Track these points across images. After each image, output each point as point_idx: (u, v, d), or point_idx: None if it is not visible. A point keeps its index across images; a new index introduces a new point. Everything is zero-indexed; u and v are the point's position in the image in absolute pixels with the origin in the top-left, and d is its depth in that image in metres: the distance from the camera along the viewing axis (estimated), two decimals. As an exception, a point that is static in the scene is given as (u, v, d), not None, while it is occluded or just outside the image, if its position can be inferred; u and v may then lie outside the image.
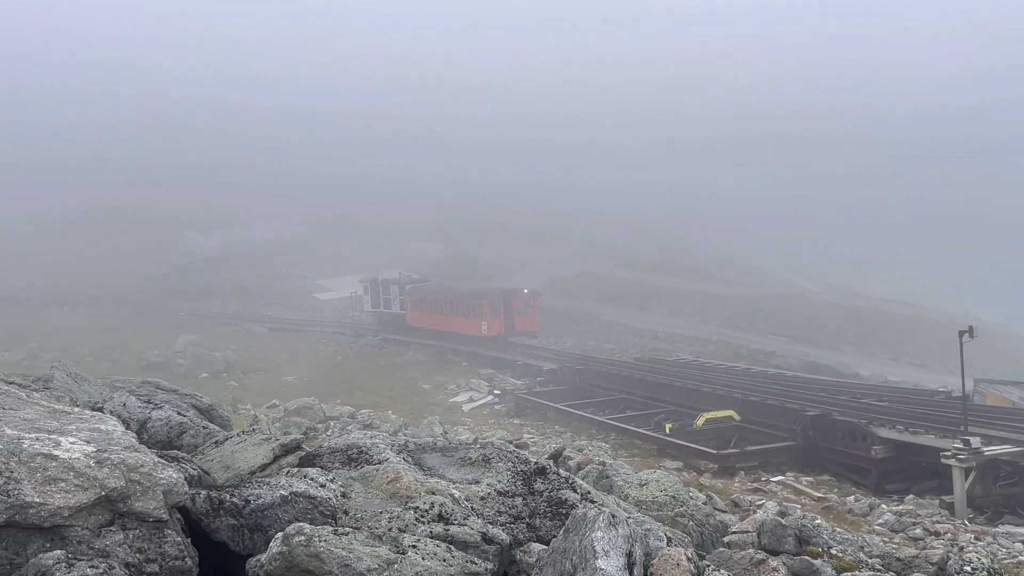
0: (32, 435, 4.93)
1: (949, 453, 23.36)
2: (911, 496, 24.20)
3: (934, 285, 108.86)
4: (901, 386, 39.21)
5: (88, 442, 5.03)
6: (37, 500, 4.34)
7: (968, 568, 10.99)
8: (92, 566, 4.13)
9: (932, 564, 12.21)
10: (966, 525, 20.96)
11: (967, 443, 23.14)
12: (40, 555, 4.20)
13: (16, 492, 4.31)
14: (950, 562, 11.33)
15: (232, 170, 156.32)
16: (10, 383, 6.77)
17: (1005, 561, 15.87)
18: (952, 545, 17.68)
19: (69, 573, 4.05)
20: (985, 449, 23.16)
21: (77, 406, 6.62)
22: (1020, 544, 19.26)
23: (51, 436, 5.01)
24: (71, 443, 4.93)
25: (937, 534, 19.53)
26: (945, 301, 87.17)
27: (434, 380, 44.99)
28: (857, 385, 38.93)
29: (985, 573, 10.90)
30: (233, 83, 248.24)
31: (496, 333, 53.01)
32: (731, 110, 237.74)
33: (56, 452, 4.73)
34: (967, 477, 22.83)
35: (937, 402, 31.13)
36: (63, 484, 4.51)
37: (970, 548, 16.65)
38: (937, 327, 61.07)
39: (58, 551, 4.23)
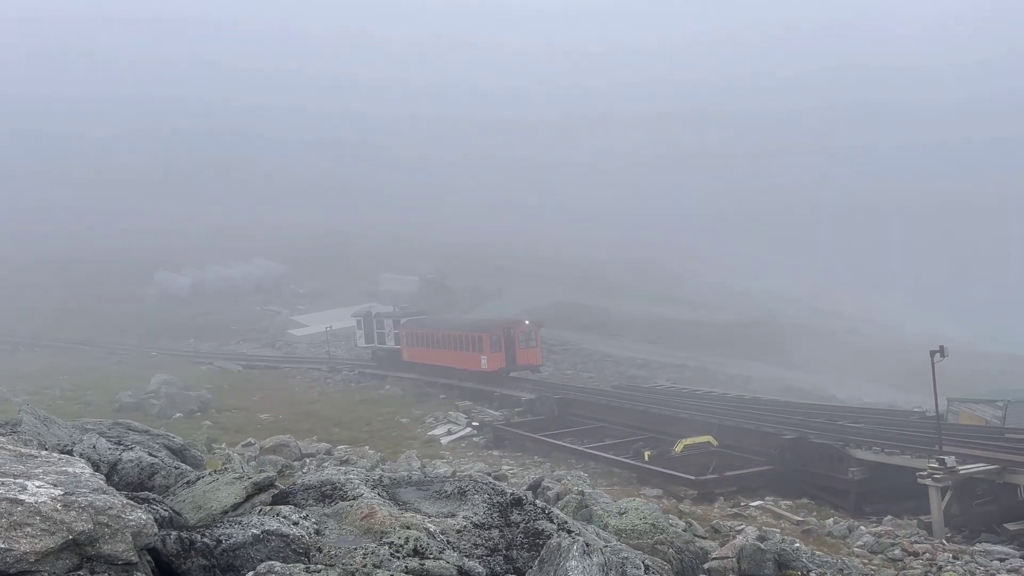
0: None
1: (925, 473, 23.57)
2: (889, 517, 24.28)
3: (905, 304, 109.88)
4: (876, 407, 39.47)
5: (55, 485, 4.98)
6: (2, 546, 4.26)
7: None
8: None
9: None
10: (944, 544, 21.14)
11: (942, 462, 23.34)
12: None
13: None
14: None
15: (204, 207, 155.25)
16: None
17: None
18: (931, 565, 17.74)
19: None
20: (960, 468, 23.30)
21: (45, 449, 6.60)
22: (997, 562, 19.40)
23: (17, 480, 4.95)
24: (37, 487, 4.87)
25: (916, 554, 19.67)
26: (915, 320, 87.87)
27: (411, 414, 44.60)
28: (833, 407, 39.29)
29: None
30: (205, 112, 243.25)
31: (496, 368, 50.44)
32: (704, 135, 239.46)
33: (22, 496, 4.66)
34: (944, 496, 23.00)
35: (912, 422, 31.49)
36: (29, 529, 4.43)
37: (948, 568, 16.70)
38: (912, 348, 61.66)
39: None
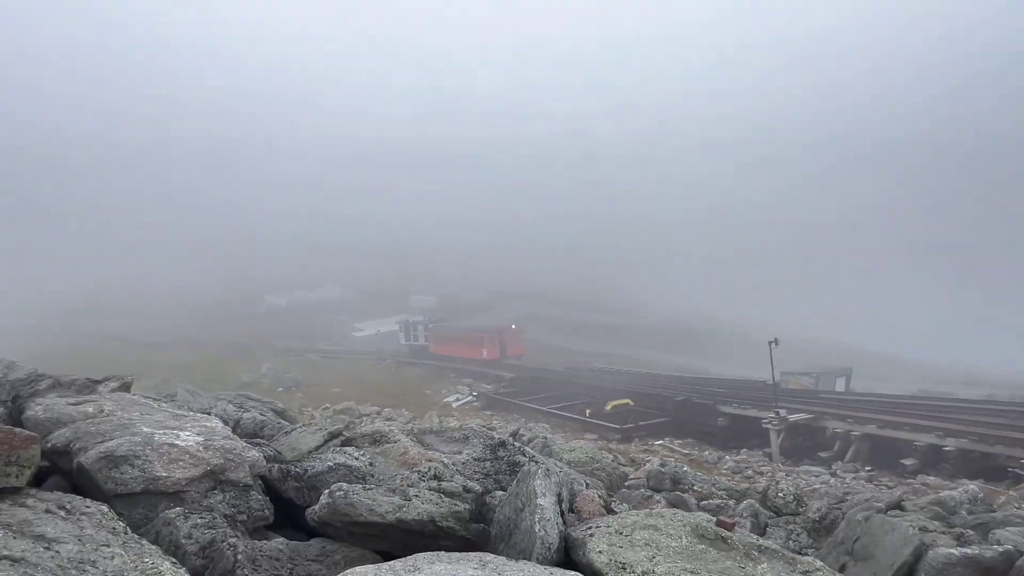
0: (161, 431, 4.92)
1: (767, 420, 23.65)
2: (744, 449, 24.13)
3: (775, 308, 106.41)
4: (736, 379, 39.82)
5: (199, 434, 5.05)
6: (164, 474, 4.40)
7: (781, 494, 11.09)
8: (201, 517, 4.18)
9: (758, 493, 11.92)
10: (779, 466, 21.22)
11: (778, 414, 23.46)
12: (166, 511, 4.21)
13: (149, 469, 4.37)
14: (769, 491, 11.40)
15: (297, 246, 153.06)
16: (147, 398, 6.60)
17: (805, 488, 16.12)
18: (771, 480, 17.97)
19: (186, 522, 4.08)
20: (789, 417, 23.46)
21: (192, 411, 6.55)
22: (813, 477, 19.53)
23: (173, 431, 5.01)
24: (187, 435, 4.93)
25: (761, 473, 19.79)
26: (781, 322, 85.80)
27: (433, 387, 44.56)
28: (709, 379, 39.05)
29: (792, 496, 10.98)
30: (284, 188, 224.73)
31: (493, 357, 50.91)
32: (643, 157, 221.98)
33: (177, 442, 4.74)
34: (779, 436, 23.02)
35: (758, 388, 31.30)
36: (181, 463, 4.54)
37: (782, 481, 17.00)
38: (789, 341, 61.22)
39: (178, 508, 4.24)
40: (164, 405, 6.41)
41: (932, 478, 18.17)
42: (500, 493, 5.42)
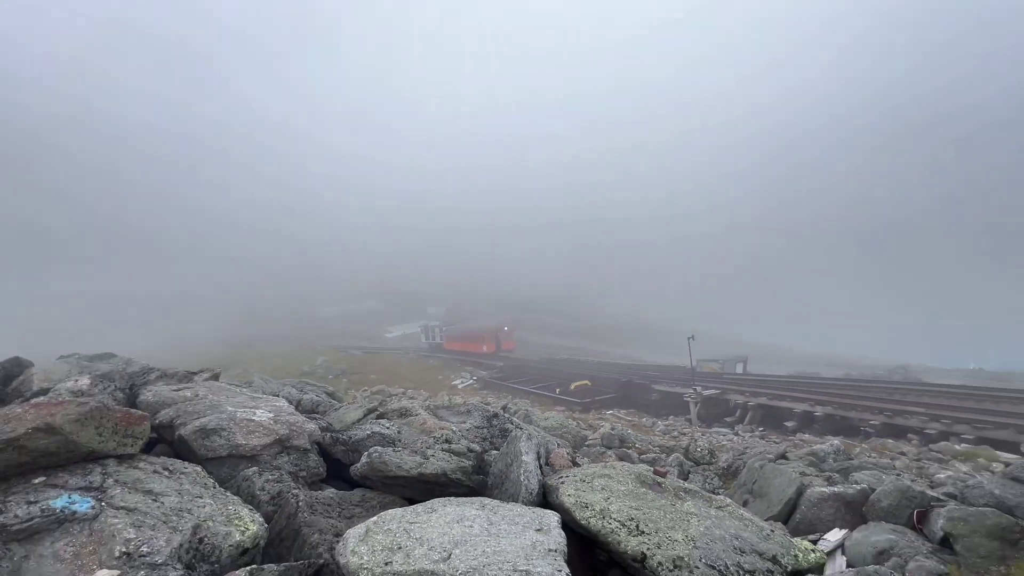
0: (241, 409, 4.89)
1: (687, 395, 23.24)
2: (672, 416, 24.04)
3: (707, 313, 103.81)
4: (665, 365, 39.63)
5: (270, 411, 5.00)
6: (243, 442, 4.34)
7: (699, 449, 10.99)
8: (271, 474, 4.16)
9: (683, 448, 12.05)
10: (697, 429, 21.13)
11: (695, 390, 23.15)
12: (245, 470, 4.19)
13: (233, 438, 4.33)
14: (690, 447, 11.33)
15: (344, 271, 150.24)
16: (231, 385, 6.52)
17: (716, 445, 16.00)
18: (691, 439, 17.79)
19: (260, 478, 4.06)
20: (704, 392, 23.44)
21: (265, 394, 6.54)
22: (722, 437, 19.57)
23: (251, 409, 4.98)
24: (261, 413, 4.90)
25: (684, 434, 19.27)
26: (716, 324, 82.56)
27: (444, 373, 43.81)
28: (646, 366, 38.89)
29: (707, 451, 10.87)
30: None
31: (491, 351, 49.17)
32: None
33: (253, 417, 4.71)
34: (696, 406, 22.81)
35: (682, 371, 31.20)
36: (257, 433, 4.49)
37: (700, 440, 16.85)
38: (710, 337, 60.56)
39: (254, 467, 4.23)
40: (244, 390, 6.29)
41: (807, 435, 18.14)
42: (494, 452, 5.38)
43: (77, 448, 3.34)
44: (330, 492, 4.14)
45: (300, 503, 3.78)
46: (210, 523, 3.09)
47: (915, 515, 4.71)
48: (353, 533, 2.99)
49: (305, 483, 4.47)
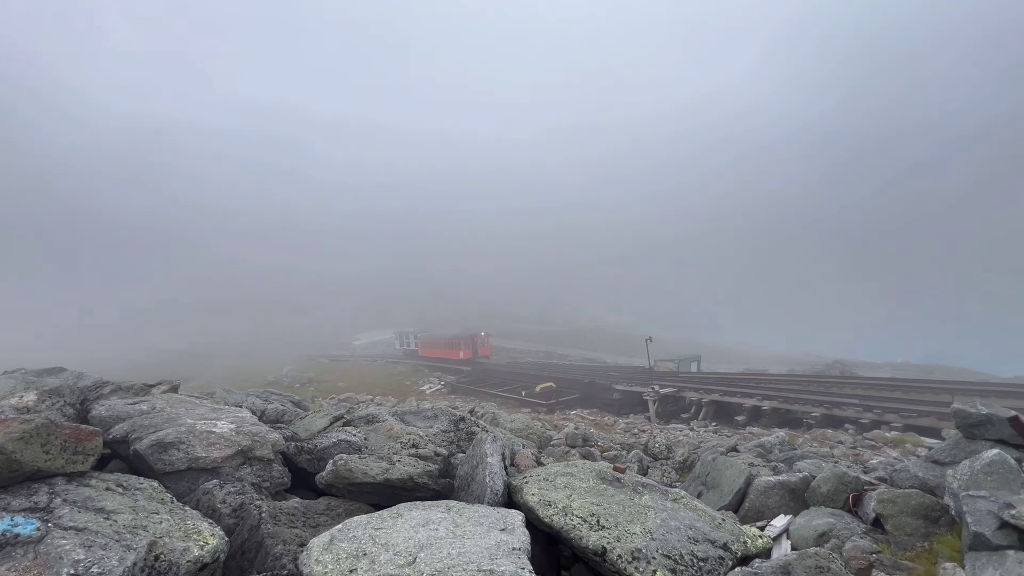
0: (201, 421, 4.72)
1: (646, 394, 23.84)
2: (632, 414, 23.99)
3: (663, 317, 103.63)
4: (625, 366, 40.13)
5: (232, 422, 4.85)
6: (203, 455, 4.21)
7: (657, 445, 11.03)
8: (233, 486, 4.05)
9: (642, 445, 11.92)
10: (656, 426, 21.23)
11: (654, 389, 23.71)
12: (205, 483, 4.07)
13: (192, 451, 4.19)
14: (649, 443, 11.32)
15: (314, 278, 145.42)
16: (191, 396, 6.31)
17: (673, 440, 16.22)
18: (650, 435, 18.03)
19: (221, 490, 3.95)
20: (661, 391, 23.77)
21: (227, 405, 6.40)
22: (679, 432, 19.86)
23: (211, 420, 4.82)
24: (222, 424, 4.75)
25: (644, 431, 19.76)
26: (671, 328, 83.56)
27: (412, 379, 43.16)
28: (608, 367, 39.41)
29: (664, 446, 10.90)
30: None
31: (468, 358, 47.76)
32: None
33: (214, 429, 4.56)
34: (655, 404, 23.18)
35: (640, 371, 31.55)
36: (218, 445, 4.35)
37: (658, 436, 17.12)
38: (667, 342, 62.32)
39: (215, 480, 4.11)
40: (205, 402, 6.07)
41: (756, 428, 18.75)
42: (461, 455, 5.23)
43: (21, 467, 3.15)
44: (294, 502, 4.06)
45: (263, 514, 3.62)
46: (167, 539, 2.94)
47: (851, 499, 4.96)
48: (317, 542, 2.91)
49: (269, 494, 4.32)
